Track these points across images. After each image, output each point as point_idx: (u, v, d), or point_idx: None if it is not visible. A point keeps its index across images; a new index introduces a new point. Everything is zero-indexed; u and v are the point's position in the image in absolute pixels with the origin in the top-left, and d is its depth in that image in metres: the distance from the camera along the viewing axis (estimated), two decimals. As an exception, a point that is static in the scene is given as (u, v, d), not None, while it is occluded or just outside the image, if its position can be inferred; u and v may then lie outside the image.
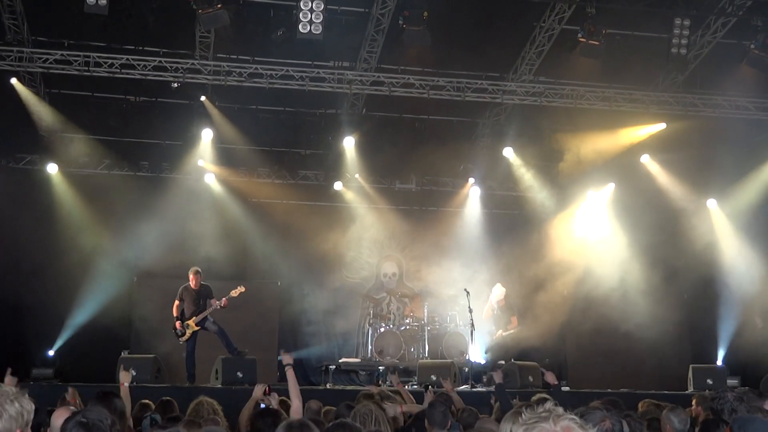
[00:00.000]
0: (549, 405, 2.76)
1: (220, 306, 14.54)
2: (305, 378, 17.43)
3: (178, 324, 14.59)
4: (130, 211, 17.27)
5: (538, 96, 16.86)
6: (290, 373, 7.93)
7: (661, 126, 17.77)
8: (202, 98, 16.64)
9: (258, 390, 8.31)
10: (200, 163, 17.83)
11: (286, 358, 8.23)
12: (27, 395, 3.88)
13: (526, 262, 18.82)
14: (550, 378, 9.58)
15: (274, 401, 8.16)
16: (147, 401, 8.91)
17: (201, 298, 14.66)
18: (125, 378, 8.10)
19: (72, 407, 5.40)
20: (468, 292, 15.29)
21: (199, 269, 14.94)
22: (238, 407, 8.21)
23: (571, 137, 18.27)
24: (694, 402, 9.46)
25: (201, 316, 14.53)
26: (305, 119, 18.34)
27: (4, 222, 16.67)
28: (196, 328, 14.57)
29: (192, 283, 14.69)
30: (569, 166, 18.60)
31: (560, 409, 2.73)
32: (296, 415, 7.12)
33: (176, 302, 14.76)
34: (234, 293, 14.69)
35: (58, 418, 4.63)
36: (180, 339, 14.61)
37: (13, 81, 15.62)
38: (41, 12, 14.96)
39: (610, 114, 17.37)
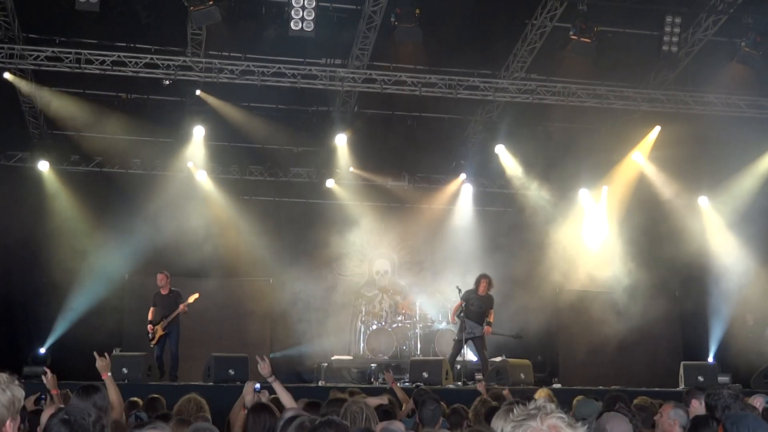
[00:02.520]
0: (540, 402, 2.75)
1: (180, 312, 14.88)
2: (297, 376, 17.43)
3: (149, 327, 14.90)
4: (122, 208, 17.24)
5: (530, 93, 16.87)
6: (276, 386, 7.52)
7: (656, 130, 17.83)
8: (198, 92, 16.57)
9: (248, 387, 8.29)
10: (189, 165, 17.80)
11: (264, 368, 7.72)
12: (17, 381, 3.87)
13: (517, 260, 18.83)
14: None
15: (264, 399, 8.15)
16: (136, 399, 8.89)
17: (171, 302, 14.95)
18: (104, 368, 7.48)
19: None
20: (460, 290, 15.24)
21: (165, 272, 15.19)
22: (230, 405, 8.21)
23: (563, 134, 18.31)
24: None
25: (165, 322, 14.83)
26: (297, 116, 18.31)
27: (-6, 220, 16.64)
28: (162, 333, 14.83)
29: (161, 289, 15.06)
30: (561, 163, 18.65)
31: (550, 407, 2.72)
32: None
33: (151, 308, 15.07)
34: (191, 299, 14.99)
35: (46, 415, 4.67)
36: (150, 343, 14.87)
37: (7, 75, 15.51)
38: (32, 9, 14.90)
39: (601, 111, 17.40)
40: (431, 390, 10.44)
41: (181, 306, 14.75)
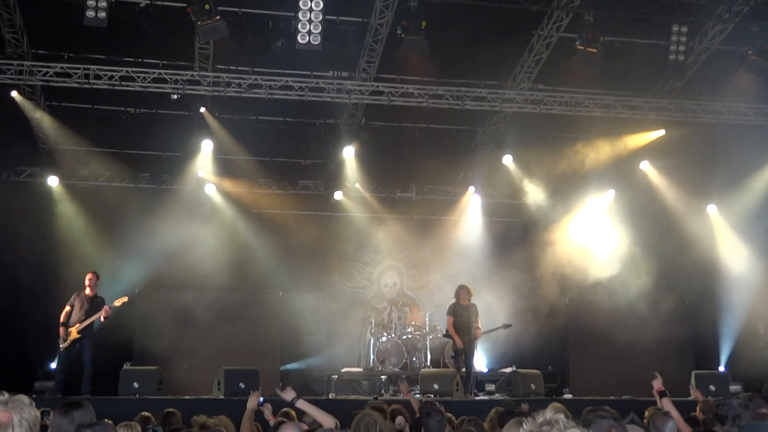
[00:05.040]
0: (550, 415, 2.73)
1: (103, 317, 14.01)
2: (308, 388, 17.40)
3: (61, 330, 13.98)
4: (131, 222, 17.29)
5: (537, 103, 16.89)
6: (301, 404, 7.42)
7: (660, 133, 17.80)
8: (202, 110, 16.65)
9: (252, 401, 8.29)
10: (200, 174, 17.85)
11: (287, 394, 7.55)
12: (33, 405, 3.96)
13: (526, 269, 18.82)
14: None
15: (267, 411, 8.16)
16: (147, 413, 8.89)
17: (92, 307, 14.06)
18: None
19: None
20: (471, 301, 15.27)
21: (97, 274, 14.38)
22: (241, 418, 8.22)
23: (571, 144, 18.30)
24: (698, 408, 9.48)
25: (84, 324, 13.95)
26: (305, 129, 18.37)
27: (5, 235, 16.69)
28: (77, 336, 13.95)
29: (87, 290, 14.14)
30: (569, 173, 18.62)
31: (563, 421, 2.69)
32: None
33: (66, 308, 14.14)
34: (117, 303, 14.23)
35: None
36: (60, 346, 14.01)
37: (14, 94, 15.64)
38: (41, 25, 14.99)
39: (609, 121, 17.40)
40: (441, 401, 10.44)
41: (105, 308, 13.89)
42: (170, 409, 8.75)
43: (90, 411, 5.54)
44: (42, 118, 16.34)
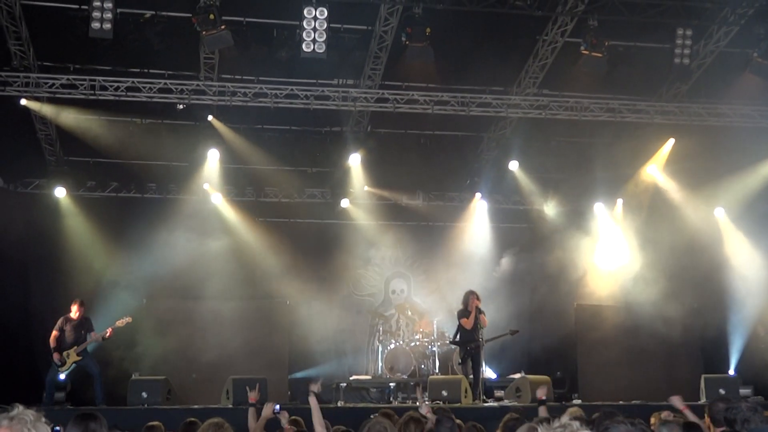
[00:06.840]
0: (565, 420, 2.73)
1: (105, 337, 14.21)
2: (316, 396, 17.35)
3: (56, 355, 14.06)
4: (139, 233, 17.30)
5: (542, 109, 16.88)
6: (312, 401, 7.90)
7: (670, 142, 17.78)
8: (210, 118, 16.68)
9: (267, 408, 8.31)
10: (205, 186, 17.86)
11: (314, 386, 8.35)
12: (43, 419, 3.89)
13: (533, 275, 18.79)
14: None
15: (284, 419, 8.16)
16: (156, 423, 8.86)
17: (82, 329, 14.25)
18: None
19: None
20: (482, 311, 15.25)
21: (83, 301, 14.54)
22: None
23: (577, 149, 18.28)
24: (706, 413, 9.42)
25: (82, 347, 14.14)
26: (310, 137, 18.37)
27: (13, 247, 16.71)
28: (78, 359, 14.13)
29: (74, 314, 14.28)
30: (576, 178, 18.60)
31: (575, 425, 2.69)
32: None
33: (54, 333, 14.19)
34: (120, 323, 14.38)
35: None
36: (59, 369, 14.07)
37: (24, 102, 15.60)
38: (46, 37, 15.03)
39: (615, 125, 17.38)
40: (450, 408, 10.40)
41: (109, 330, 14.18)
42: (191, 419, 8.71)
43: (104, 422, 5.57)
44: (57, 114, 16.22)
